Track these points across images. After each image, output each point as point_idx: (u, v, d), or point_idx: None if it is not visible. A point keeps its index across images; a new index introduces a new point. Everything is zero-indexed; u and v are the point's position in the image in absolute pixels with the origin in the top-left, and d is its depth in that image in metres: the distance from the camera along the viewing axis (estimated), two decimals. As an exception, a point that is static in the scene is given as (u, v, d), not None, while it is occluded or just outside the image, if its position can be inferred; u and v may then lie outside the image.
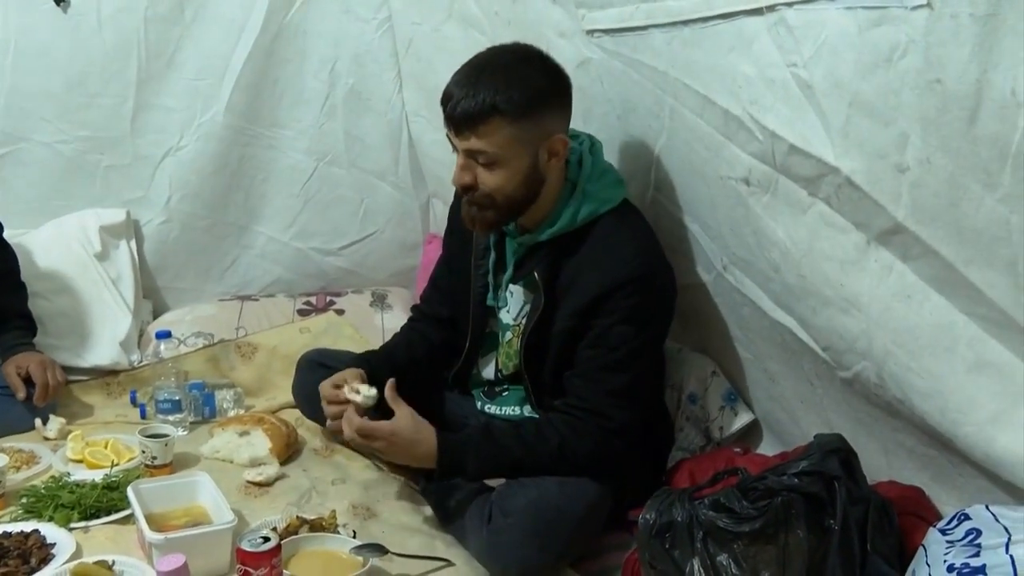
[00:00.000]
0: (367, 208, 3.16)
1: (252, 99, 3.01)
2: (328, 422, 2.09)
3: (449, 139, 1.92)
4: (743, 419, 2.17)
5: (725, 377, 2.23)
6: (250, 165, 3.07)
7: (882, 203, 1.42)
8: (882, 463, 1.75)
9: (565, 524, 1.81)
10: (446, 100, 1.87)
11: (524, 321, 2.05)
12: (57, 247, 2.83)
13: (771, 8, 1.53)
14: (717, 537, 1.52)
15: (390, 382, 1.94)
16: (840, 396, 1.80)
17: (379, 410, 1.96)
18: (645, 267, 1.92)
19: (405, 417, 1.89)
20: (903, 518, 1.54)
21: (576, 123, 2.04)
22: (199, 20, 2.96)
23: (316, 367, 2.33)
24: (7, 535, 1.86)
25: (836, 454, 1.52)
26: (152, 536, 1.73)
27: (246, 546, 1.60)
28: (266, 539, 1.62)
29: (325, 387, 2.06)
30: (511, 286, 2.08)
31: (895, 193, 1.39)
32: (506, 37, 2.22)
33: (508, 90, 1.82)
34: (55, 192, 2.97)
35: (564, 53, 2.17)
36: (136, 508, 1.83)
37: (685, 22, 1.81)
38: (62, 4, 2.86)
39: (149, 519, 1.82)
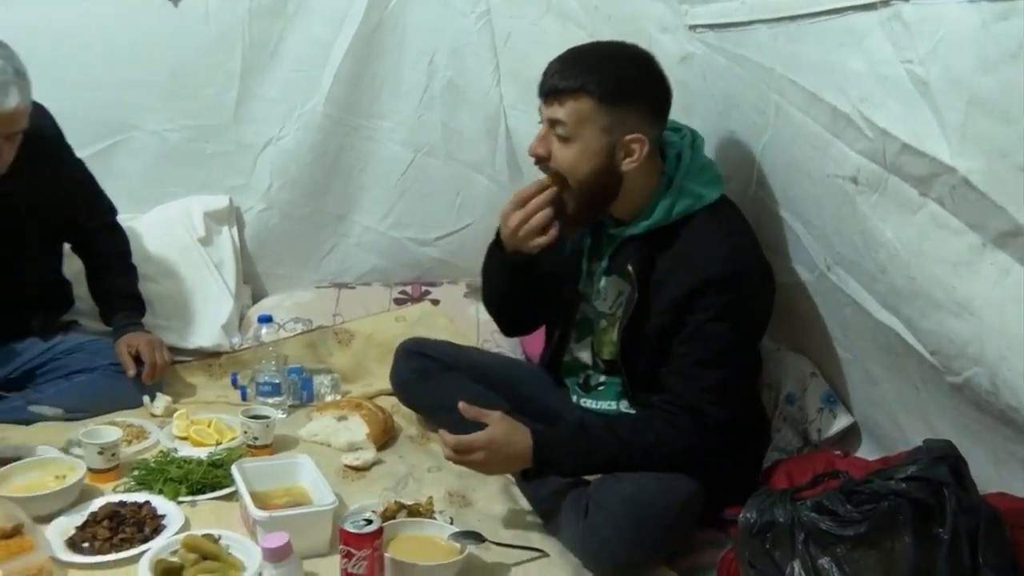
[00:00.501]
0: (463, 200, 3.18)
1: (351, 90, 3.06)
2: None
3: (539, 112, 1.96)
4: (842, 422, 2.14)
5: (824, 378, 2.20)
6: (349, 155, 3.12)
7: (1001, 204, 1.38)
8: (991, 473, 1.70)
9: (660, 519, 1.81)
10: (544, 72, 1.94)
11: (619, 312, 2.05)
12: (163, 232, 2.93)
13: (885, 3, 1.51)
14: (819, 540, 1.50)
15: (461, 404, 1.95)
16: (947, 402, 1.76)
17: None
18: (739, 264, 1.91)
19: (497, 422, 1.91)
20: (1016, 532, 1.50)
21: (677, 118, 2.04)
22: (301, 12, 3.03)
23: (414, 356, 2.37)
24: (123, 504, 1.95)
25: (945, 461, 1.49)
26: (257, 513, 1.77)
27: (349, 527, 1.63)
28: (369, 521, 1.65)
29: None
30: (605, 277, 2.08)
31: (1016, 194, 1.36)
32: (605, 32, 2.23)
33: (600, 74, 1.87)
34: (162, 179, 3.07)
35: (666, 48, 2.16)
36: (241, 486, 1.88)
37: (791, 17, 1.79)
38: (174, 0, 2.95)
39: (252, 497, 1.86)
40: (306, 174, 3.10)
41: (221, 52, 3.02)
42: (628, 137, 1.89)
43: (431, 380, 2.34)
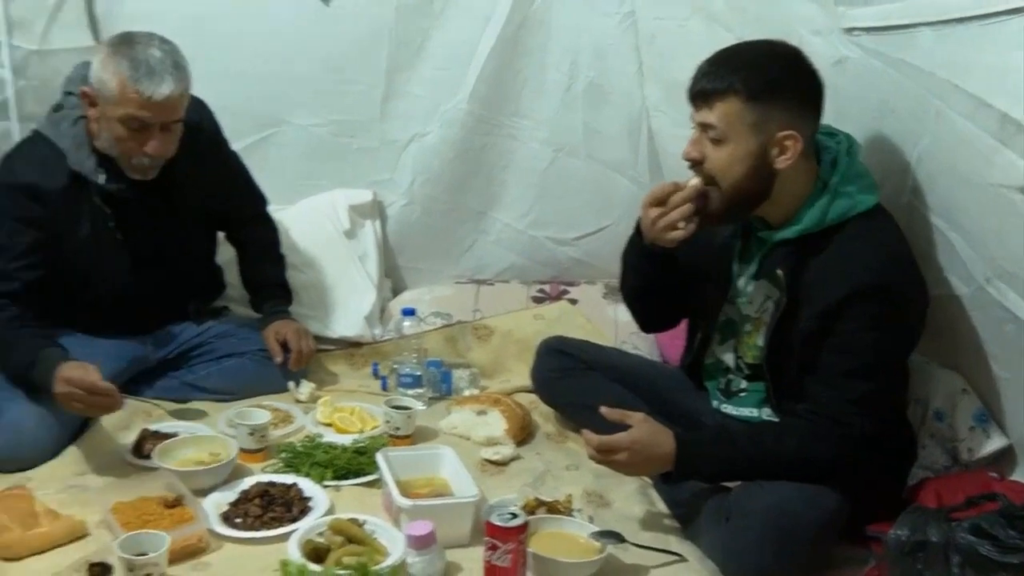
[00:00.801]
0: (603, 200, 3.17)
1: (495, 89, 3.09)
2: None
3: (691, 118, 1.96)
4: (996, 442, 2.06)
5: (977, 396, 2.12)
6: (490, 153, 3.15)
7: None
8: None
9: (803, 531, 1.78)
10: (693, 76, 1.93)
11: (766, 317, 2.02)
12: (310, 223, 3.01)
13: (1069, 3, 1.45)
14: (977, 564, 1.45)
15: (603, 408, 1.95)
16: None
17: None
18: (891, 275, 1.87)
19: (641, 423, 1.91)
20: None
21: (830, 122, 2.01)
22: (447, 11, 3.07)
23: (555, 354, 2.40)
24: (272, 484, 2.03)
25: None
26: (402, 501, 1.82)
27: (496, 520, 1.66)
28: (514, 515, 1.67)
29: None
30: (752, 280, 2.06)
31: None
32: (753, 34, 2.19)
33: (747, 73, 1.87)
34: (309, 172, 3.15)
35: (818, 51, 2.12)
36: (387, 474, 1.93)
37: (960, 20, 1.74)
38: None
39: (395, 486, 1.91)
40: (448, 170, 3.14)
41: (369, 50, 3.09)
42: (781, 134, 1.87)
43: (572, 379, 2.36)
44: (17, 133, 2.65)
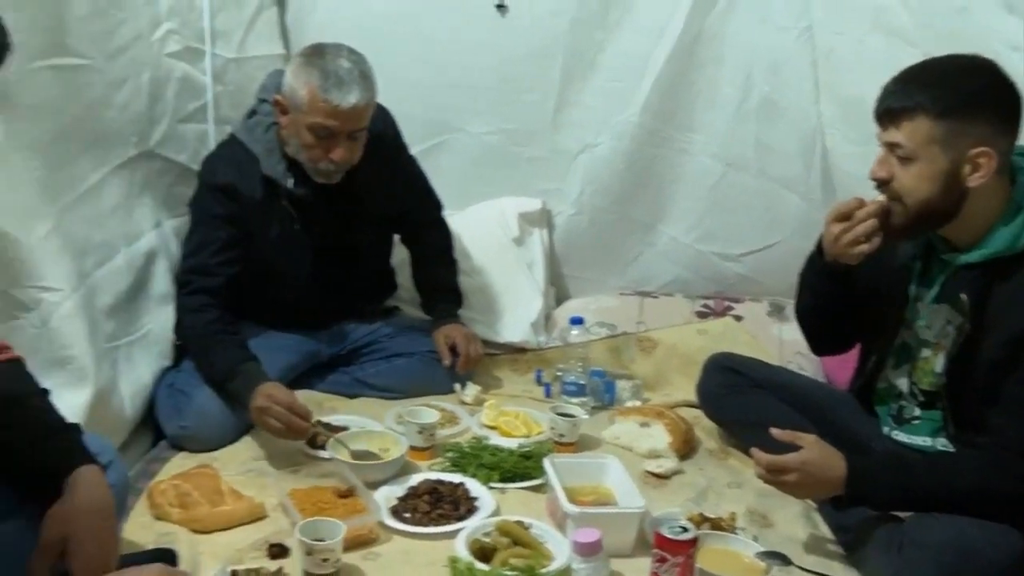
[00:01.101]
0: (772, 217, 3.13)
1: (667, 101, 3.09)
2: None
3: (877, 137, 1.91)
4: None
5: None
6: (660, 165, 3.15)
7: None
8: None
9: (984, 571, 1.70)
10: (880, 95, 1.88)
11: (946, 343, 1.95)
12: (480, 230, 3.08)
13: None
14: None
15: (773, 429, 1.92)
16: None
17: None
18: None
19: (812, 445, 1.87)
20: None
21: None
22: (622, 24, 3.09)
23: (723, 370, 2.38)
24: (440, 482, 2.09)
25: None
26: (570, 508, 1.84)
27: (666, 532, 1.66)
28: (684, 529, 1.67)
29: None
30: (933, 304, 1.99)
31: None
32: (943, 49, 2.11)
33: (938, 89, 1.80)
34: (479, 179, 3.22)
35: (1018, 68, 2.03)
36: (554, 480, 1.95)
37: None
38: (501, 9, 3.10)
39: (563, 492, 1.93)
40: (617, 182, 3.16)
41: (543, 60, 3.14)
42: (974, 151, 1.79)
43: (739, 396, 2.33)
44: (213, 135, 2.81)
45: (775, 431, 1.91)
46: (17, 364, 1.60)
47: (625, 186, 3.17)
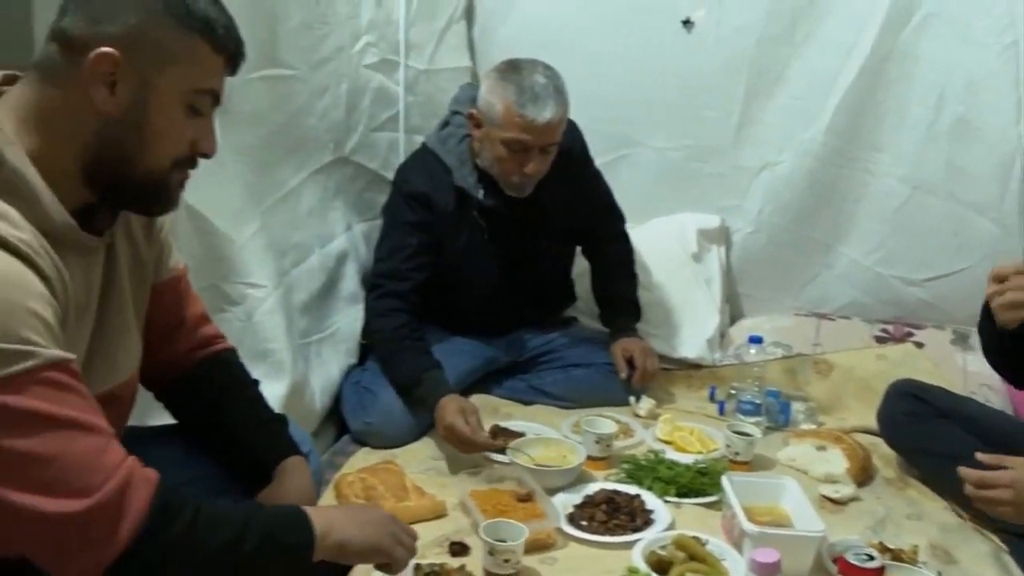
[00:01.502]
0: (961, 242, 3.01)
1: (853, 121, 3.03)
2: None
3: None
4: None
5: None
6: (843, 185, 3.09)
7: None
8: None
9: None
10: None
11: None
12: (659, 244, 3.08)
13: None
14: None
15: (979, 454, 1.84)
16: None
17: None
18: None
19: (1022, 466, 1.79)
20: None
21: None
22: (809, 41, 3.05)
23: (907, 397, 2.31)
24: (617, 493, 2.11)
25: None
26: (749, 527, 1.83)
27: (852, 559, 1.64)
28: (871, 557, 1.64)
29: None
30: None
31: None
32: None
33: None
34: (659, 194, 3.23)
35: None
36: (733, 498, 1.94)
37: None
38: (687, 26, 3.11)
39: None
40: (798, 201, 3.12)
41: (727, 77, 3.13)
42: None
43: (923, 425, 2.26)
44: (403, 143, 2.92)
45: (981, 455, 1.82)
46: (234, 354, 1.71)
47: (806, 205, 3.12)
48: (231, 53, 1.30)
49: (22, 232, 1.14)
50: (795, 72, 3.08)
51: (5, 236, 1.11)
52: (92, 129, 1.23)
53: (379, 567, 1.48)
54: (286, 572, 1.33)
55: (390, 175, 2.78)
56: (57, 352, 1.12)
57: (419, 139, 2.85)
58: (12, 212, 1.14)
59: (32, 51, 1.66)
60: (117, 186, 1.28)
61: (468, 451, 2.28)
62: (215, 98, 1.32)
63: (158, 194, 1.32)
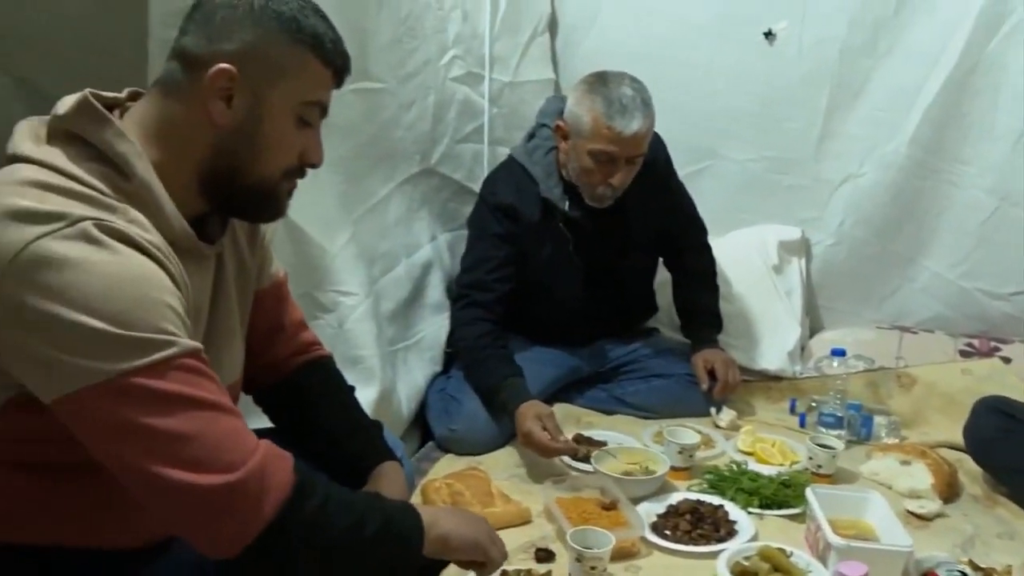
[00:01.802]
0: (1048, 256, 2.98)
1: (937, 132, 3.00)
2: None
3: None
4: None
5: None
6: (926, 198, 3.06)
7: None
8: None
9: None
10: None
11: None
12: (739, 256, 3.09)
13: None
14: None
15: None
16: None
17: None
18: None
19: None
20: None
21: None
22: (892, 52, 3.04)
23: (996, 413, 2.29)
24: (700, 503, 2.13)
25: None
26: (836, 540, 1.83)
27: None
28: (963, 574, 1.64)
29: None
30: None
31: None
32: None
33: None
34: (740, 205, 3.24)
35: None
36: (817, 511, 1.94)
37: None
38: (769, 38, 3.11)
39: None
40: (880, 213, 3.10)
41: (809, 88, 3.12)
42: None
43: (1014, 442, 2.24)
44: (487, 155, 2.98)
45: None
46: (331, 360, 1.77)
47: (888, 218, 3.10)
48: (338, 67, 1.35)
49: (152, 236, 1.21)
50: (878, 84, 3.07)
51: (140, 239, 1.18)
52: (209, 141, 1.29)
53: (473, 566, 1.51)
54: (396, 561, 1.36)
55: (474, 186, 2.84)
56: (192, 342, 1.19)
57: (503, 151, 2.90)
58: (142, 218, 1.21)
59: (146, 67, 1.77)
60: (230, 195, 1.34)
61: (546, 456, 2.31)
62: (323, 110, 1.38)
63: (268, 202, 1.38)
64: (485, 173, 2.89)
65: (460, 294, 2.62)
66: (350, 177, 2.39)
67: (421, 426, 2.64)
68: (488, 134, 2.99)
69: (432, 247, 2.80)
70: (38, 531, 1.28)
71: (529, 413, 2.30)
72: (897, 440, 2.58)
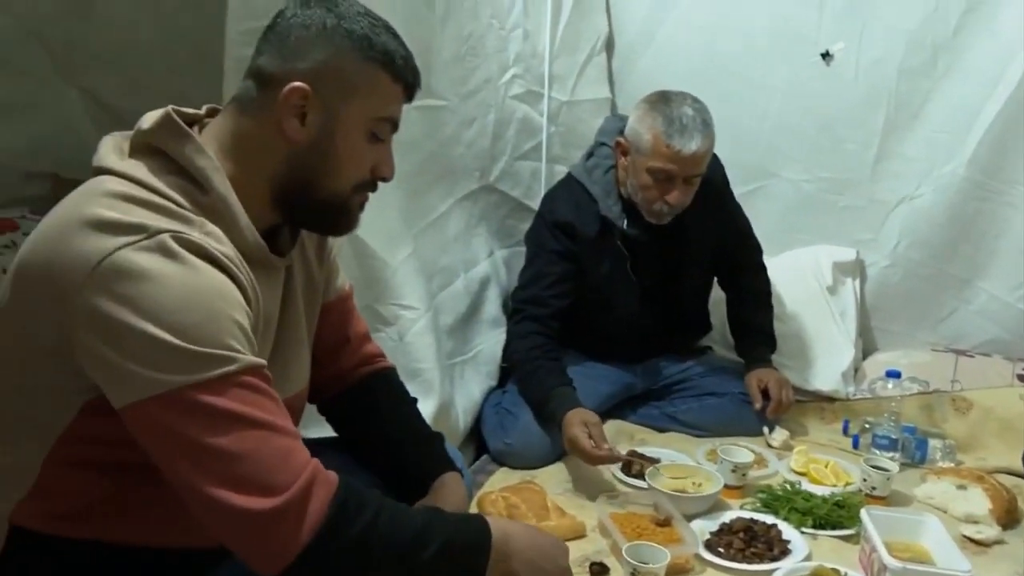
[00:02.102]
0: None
1: (996, 154, 2.97)
2: None
3: None
4: None
5: None
6: (984, 219, 3.04)
7: None
8: None
9: None
10: None
11: None
12: (793, 276, 3.09)
13: None
14: None
15: None
16: None
17: None
18: None
19: None
20: None
21: None
22: (951, 73, 3.02)
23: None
24: (754, 521, 2.14)
25: None
26: (892, 562, 1.83)
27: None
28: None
29: None
30: None
31: None
32: None
33: None
34: (794, 225, 3.23)
35: None
36: (873, 532, 1.95)
37: None
38: (827, 58, 3.12)
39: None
40: (936, 235, 3.08)
41: (866, 110, 3.12)
42: None
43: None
44: (544, 172, 3.02)
45: None
46: (394, 372, 1.81)
47: (944, 240, 3.09)
48: (409, 82, 1.39)
49: (227, 249, 1.25)
50: (936, 105, 3.06)
51: (214, 252, 1.22)
52: (283, 157, 1.34)
53: None
54: None
55: (532, 203, 2.89)
56: (254, 358, 1.22)
57: (560, 168, 2.94)
58: (218, 231, 1.26)
59: (221, 84, 1.83)
60: (303, 208, 1.39)
61: (590, 463, 2.33)
62: (394, 125, 1.42)
63: (340, 216, 1.43)
64: (543, 191, 2.93)
65: (516, 309, 2.65)
66: (411, 192, 2.44)
67: (476, 440, 2.67)
68: (546, 152, 3.03)
69: (490, 263, 2.85)
70: (114, 529, 1.33)
71: (575, 420, 2.33)
72: (952, 464, 2.57)
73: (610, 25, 3.30)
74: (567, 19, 3.05)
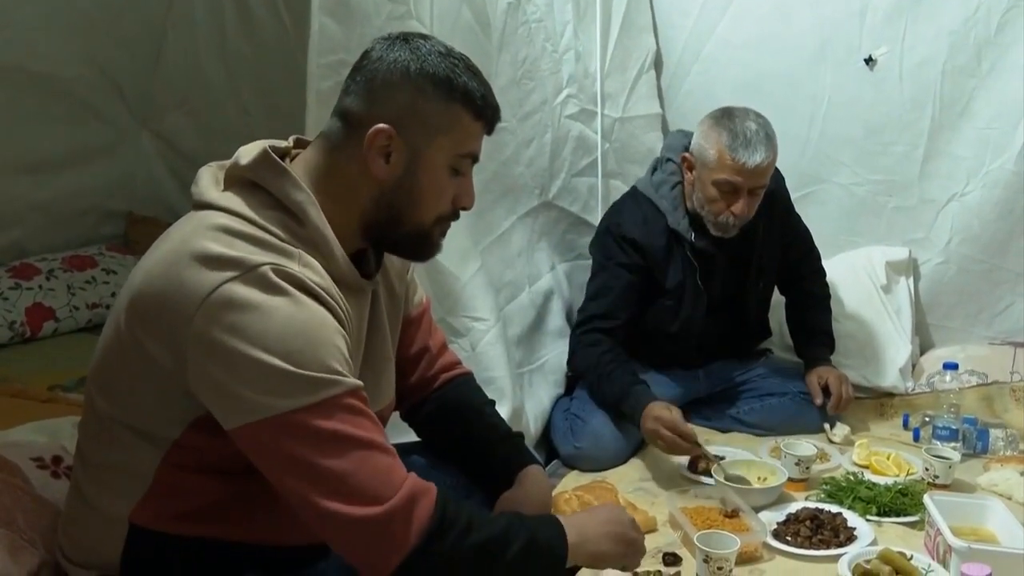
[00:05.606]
0: None
1: (1049, 147, 3.03)
2: None
3: None
4: None
5: None
6: (1035, 214, 3.10)
7: None
8: None
9: None
10: None
11: None
12: (849, 277, 3.16)
13: None
14: None
15: None
16: None
17: None
18: None
19: None
20: None
21: None
22: (996, 70, 3.08)
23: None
24: (820, 511, 2.22)
25: None
26: (956, 542, 1.90)
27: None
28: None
29: None
30: None
31: None
32: None
33: None
34: (847, 228, 3.31)
35: None
36: (937, 516, 2.02)
37: None
38: (870, 64, 3.19)
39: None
40: (988, 231, 3.14)
41: (912, 111, 3.18)
42: None
43: None
44: (600, 187, 3.13)
45: None
46: (472, 377, 1.92)
47: (996, 235, 3.14)
48: (488, 119, 1.49)
49: (323, 280, 1.37)
50: (982, 103, 3.11)
51: (311, 285, 1.33)
52: (370, 193, 1.44)
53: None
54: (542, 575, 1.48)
55: (589, 218, 3.00)
56: (355, 381, 1.33)
57: (616, 183, 3.06)
58: (315, 263, 1.37)
59: (285, 120, 1.97)
60: (389, 238, 1.50)
61: (673, 445, 2.41)
62: (474, 159, 1.51)
63: (424, 245, 1.53)
64: (600, 205, 3.04)
65: (583, 320, 2.74)
66: (477, 211, 2.51)
67: (546, 446, 2.78)
68: (601, 168, 3.14)
69: (552, 276, 2.96)
70: (225, 528, 1.45)
71: (656, 405, 2.44)
72: (1014, 453, 2.62)
73: (657, 43, 3.40)
74: (616, 39, 3.16)
